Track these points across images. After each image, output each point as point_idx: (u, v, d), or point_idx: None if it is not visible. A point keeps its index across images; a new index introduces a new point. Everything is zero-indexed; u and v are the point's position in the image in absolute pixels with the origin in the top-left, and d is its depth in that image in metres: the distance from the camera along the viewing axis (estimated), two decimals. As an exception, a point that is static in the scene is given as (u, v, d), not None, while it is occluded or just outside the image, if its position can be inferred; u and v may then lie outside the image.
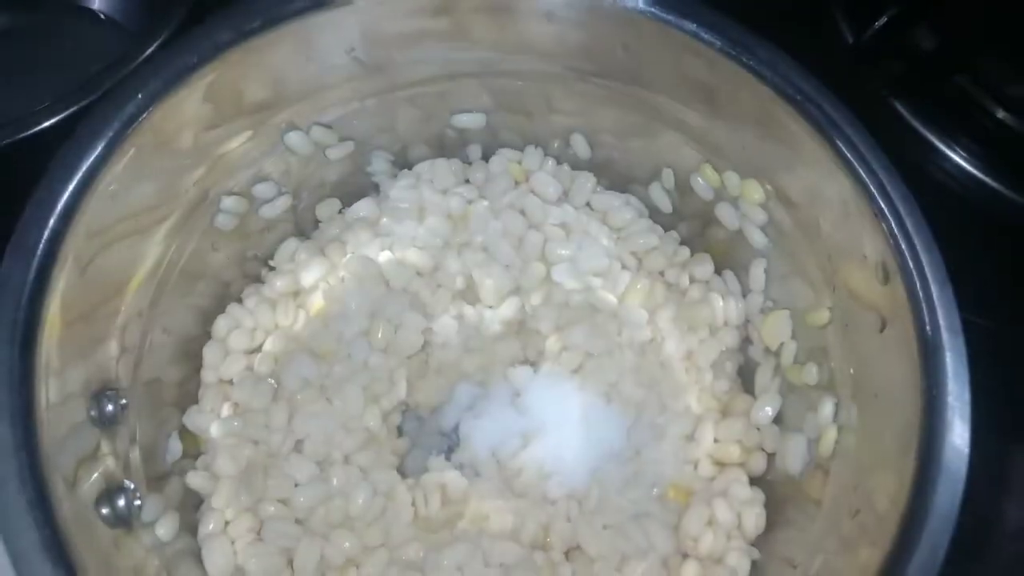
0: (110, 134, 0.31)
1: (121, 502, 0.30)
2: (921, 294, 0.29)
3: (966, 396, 0.27)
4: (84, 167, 0.30)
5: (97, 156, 0.31)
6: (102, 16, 0.55)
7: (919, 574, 0.24)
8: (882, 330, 0.30)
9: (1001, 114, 0.53)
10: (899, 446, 0.27)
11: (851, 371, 0.33)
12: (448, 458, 0.42)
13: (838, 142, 0.32)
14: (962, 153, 0.54)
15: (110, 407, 0.32)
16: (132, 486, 0.32)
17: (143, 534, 0.32)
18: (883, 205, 0.30)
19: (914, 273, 0.29)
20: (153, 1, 0.47)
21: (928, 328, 0.28)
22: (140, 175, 0.33)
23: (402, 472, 0.40)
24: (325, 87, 0.38)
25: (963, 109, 0.54)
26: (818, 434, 0.33)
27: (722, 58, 0.33)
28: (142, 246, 0.35)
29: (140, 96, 0.32)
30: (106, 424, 0.31)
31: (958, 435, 0.26)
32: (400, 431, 0.44)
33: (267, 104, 0.37)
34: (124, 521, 0.30)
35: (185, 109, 0.33)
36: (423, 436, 0.45)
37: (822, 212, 0.34)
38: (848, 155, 0.31)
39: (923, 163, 0.55)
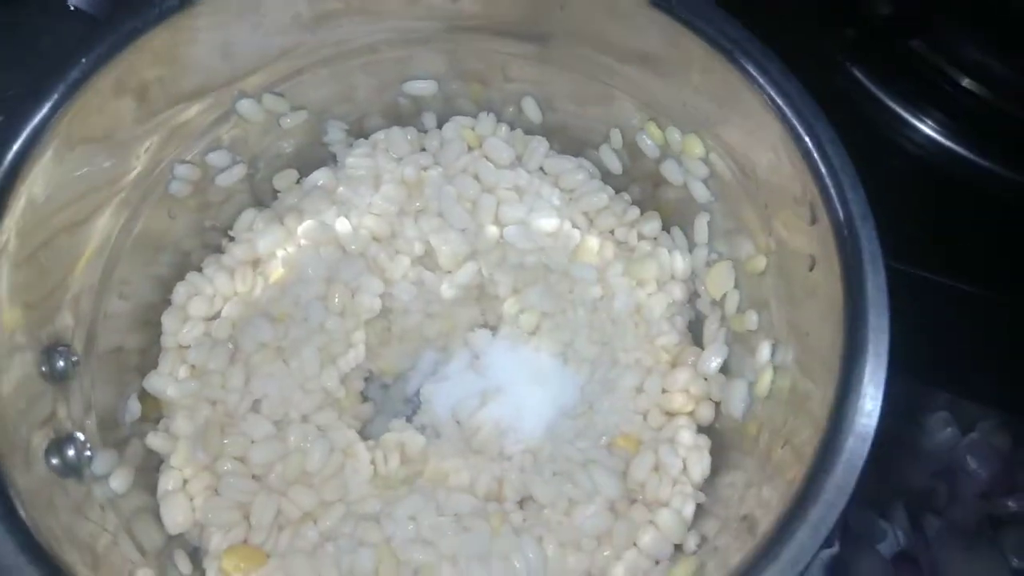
0: (55, 97, 0.32)
1: (71, 452, 0.31)
2: (845, 229, 0.29)
3: (885, 324, 0.27)
4: (25, 133, 0.31)
5: (39, 122, 0.31)
6: (72, 8, 0.56)
7: (836, 490, 0.25)
8: (811, 269, 0.31)
9: (965, 82, 0.54)
10: (825, 379, 0.28)
11: (785, 313, 0.33)
12: (410, 420, 0.43)
13: (768, 89, 0.32)
14: (931, 124, 0.55)
15: (61, 363, 0.32)
16: (83, 437, 0.32)
17: (96, 488, 0.32)
18: (811, 146, 0.31)
19: (839, 209, 0.30)
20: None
21: (851, 260, 0.29)
22: (87, 142, 0.33)
23: (366, 437, 0.41)
24: (275, 55, 0.38)
25: (928, 80, 0.55)
26: (756, 377, 0.34)
27: (654, 12, 0.33)
28: (92, 220, 0.35)
29: (84, 61, 0.32)
30: (57, 380, 0.32)
31: (875, 361, 0.27)
32: (365, 397, 0.45)
33: (217, 72, 0.37)
34: (74, 471, 0.31)
35: (131, 75, 0.34)
36: (388, 403, 0.46)
37: (757, 160, 0.34)
38: (778, 101, 0.32)
39: (893, 135, 0.56)
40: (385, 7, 0.38)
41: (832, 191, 0.30)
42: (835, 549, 0.52)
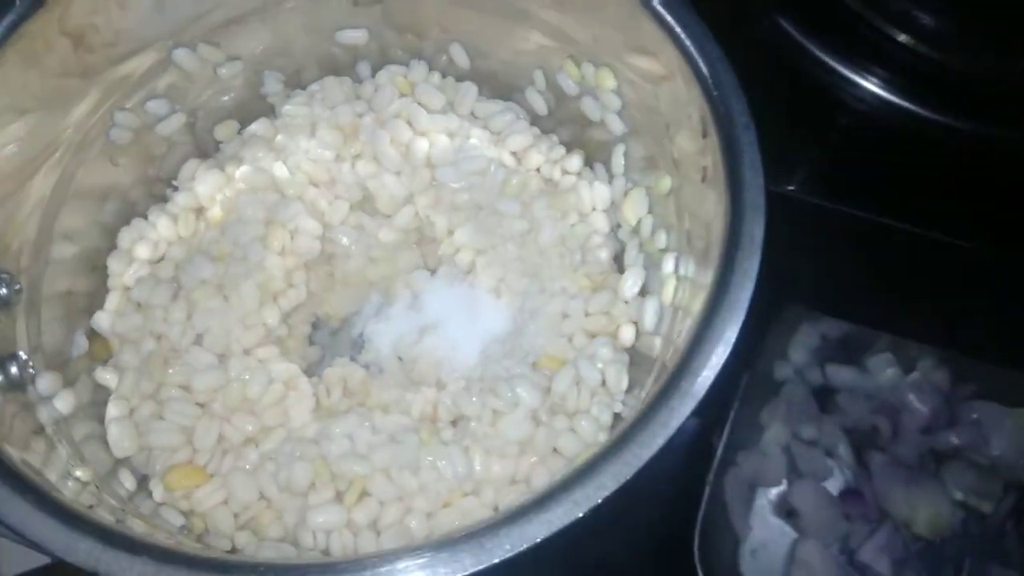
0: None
1: (13, 369, 0.33)
2: (730, 136, 0.31)
3: (760, 220, 0.29)
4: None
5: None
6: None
7: (709, 362, 0.27)
8: (703, 179, 0.33)
9: (902, 38, 0.56)
10: (708, 278, 0.30)
11: (686, 225, 0.36)
12: (354, 359, 0.45)
13: (663, 14, 0.35)
14: (874, 80, 0.57)
15: (3, 290, 0.34)
16: (24, 356, 0.34)
17: (43, 409, 0.34)
18: (701, 65, 0.33)
19: (724, 120, 0.32)
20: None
21: (734, 164, 0.31)
22: (24, 91, 0.35)
23: (312, 376, 0.43)
24: (209, 5, 0.40)
25: (865, 37, 0.57)
26: (661, 287, 0.36)
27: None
28: (34, 165, 0.37)
29: (18, 3, 0.34)
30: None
31: (751, 254, 0.29)
32: (312, 342, 0.47)
33: (153, 22, 0.39)
34: (18, 386, 0.33)
35: (66, 22, 0.35)
36: (335, 346, 0.48)
37: (659, 86, 0.37)
38: (673, 25, 0.34)
39: (838, 94, 0.58)
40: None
41: (719, 105, 0.32)
42: (783, 486, 0.54)
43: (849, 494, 0.54)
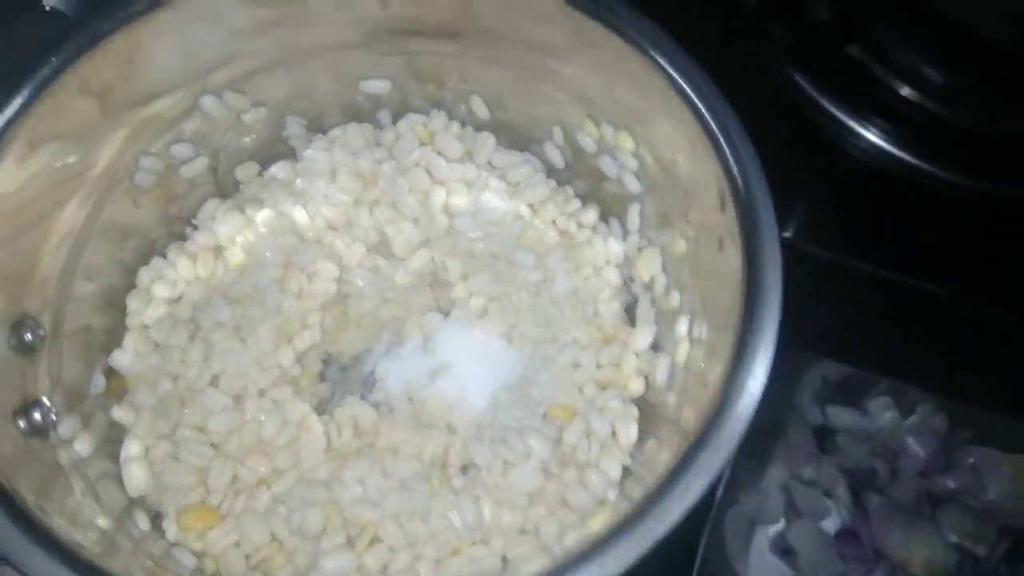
0: (22, 98, 0.34)
1: (37, 415, 0.34)
2: (748, 213, 0.32)
3: (777, 294, 0.30)
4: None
5: (10, 117, 0.33)
6: (47, 8, 0.58)
7: (726, 438, 0.28)
8: (720, 250, 0.34)
9: (905, 91, 0.57)
10: (726, 348, 0.31)
11: (700, 291, 0.37)
12: (365, 398, 0.46)
13: (685, 88, 0.35)
14: (876, 131, 0.58)
15: (28, 336, 0.35)
16: (48, 403, 0.35)
17: (62, 451, 0.35)
18: (721, 141, 0.34)
19: (743, 196, 0.33)
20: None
21: (751, 241, 0.32)
22: (54, 140, 0.36)
23: (323, 414, 0.44)
24: (234, 55, 0.41)
25: (870, 89, 0.58)
26: (674, 348, 0.37)
27: (582, 16, 0.36)
28: (59, 210, 0.38)
29: (54, 60, 0.35)
30: (24, 352, 0.35)
31: (767, 329, 0.30)
32: (323, 378, 0.48)
33: (180, 71, 0.40)
34: (40, 432, 0.34)
35: (99, 74, 0.36)
36: (345, 383, 0.49)
37: (678, 154, 0.38)
38: (694, 99, 0.35)
39: (840, 143, 0.59)
40: (316, 14, 0.40)
41: (739, 181, 0.33)
42: (781, 525, 0.55)
43: (845, 534, 0.55)
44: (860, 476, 0.55)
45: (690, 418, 0.32)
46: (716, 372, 0.31)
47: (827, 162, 0.57)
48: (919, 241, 0.53)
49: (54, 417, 0.35)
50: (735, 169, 0.33)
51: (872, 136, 0.57)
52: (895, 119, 0.56)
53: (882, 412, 0.57)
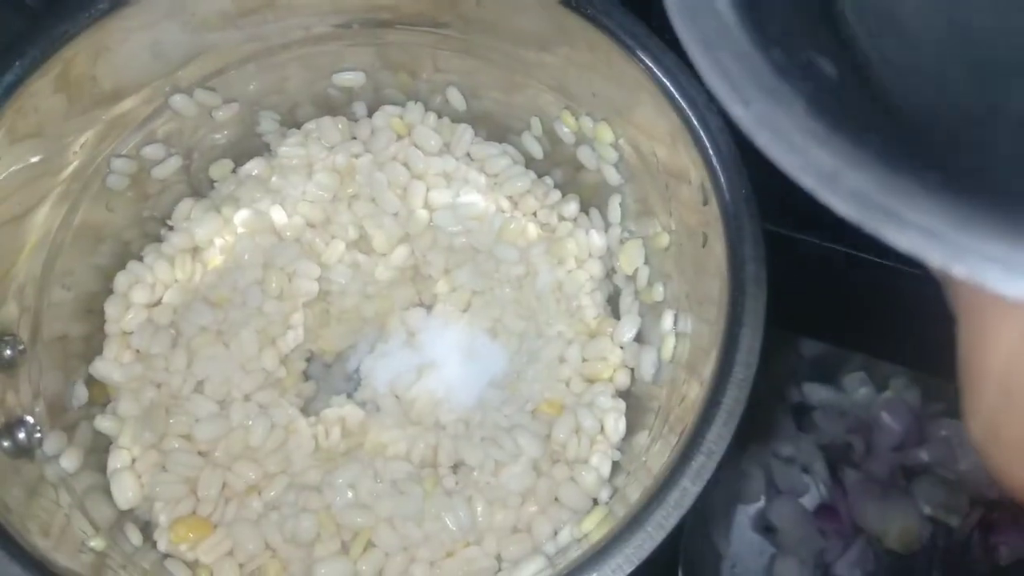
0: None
1: (21, 435, 0.33)
2: (731, 211, 0.33)
3: (762, 295, 0.31)
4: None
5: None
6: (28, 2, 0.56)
7: (717, 439, 0.28)
8: (704, 245, 0.34)
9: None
10: (712, 342, 0.32)
11: (685, 285, 0.37)
12: (351, 397, 0.46)
13: (666, 83, 0.35)
14: None
15: (8, 351, 0.34)
16: (32, 420, 0.34)
17: (48, 467, 0.34)
18: (703, 136, 0.34)
19: (726, 193, 0.33)
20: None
21: (735, 239, 0.32)
22: (23, 144, 0.35)
23: (309, 413, 0.44)
24: (204, 51, 0.40)
25: None
26: (661, 343, 0.37)
27: (564, 10, 0.36)
28: (32, 214, 0.37)
29: (17, 64, 0.34)
30: (4, 367, 0.34)
31: (752, 322, 0.30)
32: (307, 376, 0.47)
33: (149, 69, 0.39)
34: (25, 452, 0.33)
35: (64, 77, 0.35)
36: (329, 381, 0.48)
37: (658, 147, 0.37)
38: (674, 94, 0.35)
39: None
40: (296, 2, 0.39)
41: (720, 176, 0.33)
42: (761, 503, 0.56)
43: (824, 510, 0.56)
44: (837, 452, 0.57)
45: (679, 413, 0.33)
46: (704, 368, 0.31)
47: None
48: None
49: (39, 435, 0.34)
50: (717, 166, 0.33)
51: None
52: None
53: (857, 387, 0.59)
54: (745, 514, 0.56)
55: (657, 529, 0.26)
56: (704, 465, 0.27)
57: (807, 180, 0.19)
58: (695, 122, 0.34)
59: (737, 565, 0.56)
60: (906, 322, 0.54)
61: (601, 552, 0.26)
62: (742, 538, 0.56)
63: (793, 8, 0.21)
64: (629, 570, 0.25)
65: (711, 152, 0.34)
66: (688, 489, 0.27)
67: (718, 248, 0.33)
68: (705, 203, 0.34)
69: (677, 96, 0.35)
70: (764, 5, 0.20)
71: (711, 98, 0.35)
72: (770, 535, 0.55)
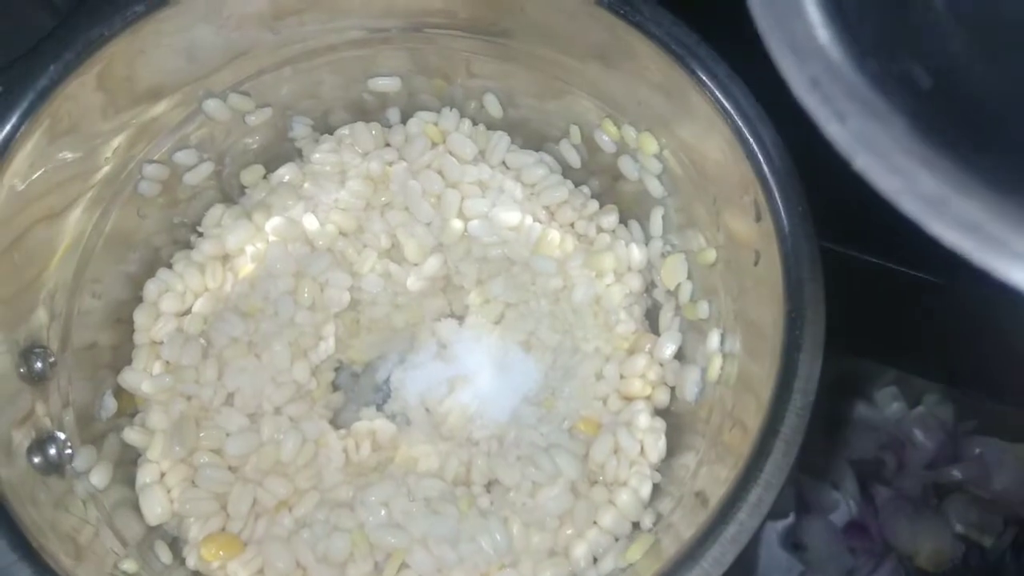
0: (24, 106, 0.32)
1: (52, 451, 0.32)
2: (787, 229, 0.31)
3: (820, 319, 0.30)
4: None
5: (10, 129, 0.32)
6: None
7: (775, 469, 0.27)
8: (756, 263, 0.33)
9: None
10: (767, 365, 0.30)
11: (733, 303, 0.36)
12: (380, 409, 0.45)
13: (717, 94, 0.34)
14: None
15: (39, 364, 0.33)
16: (63, 436, 0.33)
17: (77, 483, 0.33)
18: (755, 148, 0.33)
19: (781, 210, 0.32)
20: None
21: (791, 259, 0.31)
22: (57, 147, 0.34)
23: (338, 425, 0.43)
24: (239, 55, 0.39)
25: None
26: (707, 363, 0.36)
27: (607, 15, 0.35)
28: (64, 218, 0.36)
29: (52, 69, 0.33)
30: (35, 380, 0.33)
31: (811, 351, 0.29)
32: (335, 387, 0.46)
33: (183, 72, 0.38)
34: (56, 468, 0.32)
35: (99, 81, 0.35)
36: (358, 391, 0.47)
37: (707, 159, 0.36)
38: (725, 104, 0.34)
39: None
40: (345, 4, 0.39)
41: (775, 192, 0.32)
42: (790, 520, 0.55)
43: (854, 527, 0.55)
44: (868, 468, 0.55)
45: (730, 439, 0.31)
46: (758, 393, 0.30)
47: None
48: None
49: (69, 451, 0.33)
50: (772, 181, 0.32)
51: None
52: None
53: (889, 403, 0.57)
54: (774, 530, 0.55)
55: (715, 566, 0.25)
56: (762, 498, 0.26)
57: (909, 206, 0.18)
58: (748, 135, 0.33)
59: (764, 582, 0.55)
60: (940, 337, 0.53)
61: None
62: (770, 555, 0.55)
63: (884, 12, 0.19)
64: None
65: (765, 167, 0.33)
66: (745, 523, 0.26)
67: (772, 267, 0.32)
68: (758, 219, 0.33)
69: (729, 108, 0.34)
70: (853, 10, 0.18)
71: (765, 110, 0.34)
72: (799, 552, 0.54)
